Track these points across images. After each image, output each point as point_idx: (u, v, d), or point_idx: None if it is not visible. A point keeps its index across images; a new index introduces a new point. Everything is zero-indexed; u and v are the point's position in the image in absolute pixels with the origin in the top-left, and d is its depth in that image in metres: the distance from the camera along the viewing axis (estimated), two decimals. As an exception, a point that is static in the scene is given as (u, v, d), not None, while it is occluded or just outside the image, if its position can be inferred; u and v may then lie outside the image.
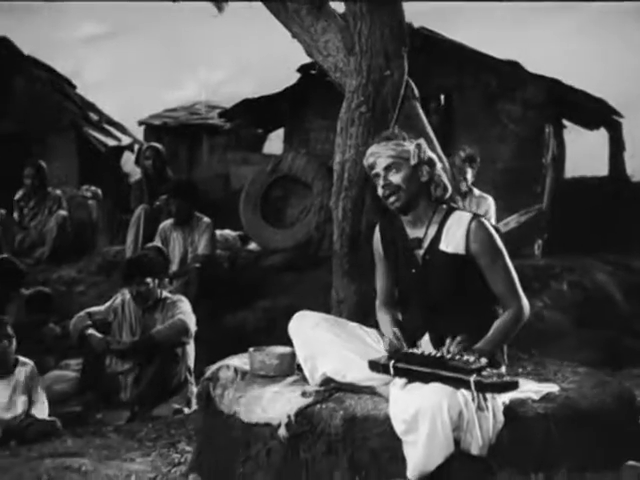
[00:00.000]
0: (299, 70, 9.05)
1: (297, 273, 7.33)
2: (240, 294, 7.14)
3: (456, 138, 8.28)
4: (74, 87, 12.87)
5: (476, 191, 6.38)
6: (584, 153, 10.21)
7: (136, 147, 12.07)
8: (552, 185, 8.24)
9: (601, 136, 9.95)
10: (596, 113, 9.08)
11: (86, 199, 9.23)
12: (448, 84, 8.78)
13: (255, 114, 10.53)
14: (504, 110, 8.40)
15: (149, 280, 5.70)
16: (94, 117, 12.63)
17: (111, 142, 12.70)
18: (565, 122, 9.77)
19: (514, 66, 8.50)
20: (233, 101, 10.93)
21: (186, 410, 5.54)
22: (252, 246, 8.51)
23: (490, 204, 6.33)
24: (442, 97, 9.00)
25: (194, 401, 5.36)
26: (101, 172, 11.53)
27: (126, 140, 12.92)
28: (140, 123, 12.96)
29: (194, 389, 5.37)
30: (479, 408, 3.15)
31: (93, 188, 9.63)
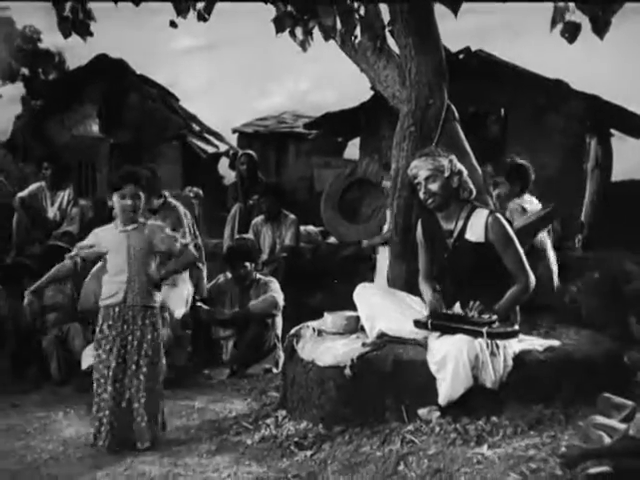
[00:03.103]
0: (372, 88, 9.06)
1: (368, 262, 7.77)
2: (320, 279, 7.85)
3: (509, 147, 8.76)
4: (178, 100, 13.47)
5: (522, 193, 7.14)
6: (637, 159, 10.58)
7: (231, 153, 12.55)
8: (593, 188, 8.76)
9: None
10: (637, 123, 9.48)
11: (189, 198, 9.67)
12: (502, 100, 9.21)
13: (335, 125, 11.05)
14: (551, 122, 8.84)
15: (247, 264, 6.58)
16: (196, 127, 13.17)
17: (210, 149, 13.22)
18: (614, 131, 10.18)
19: (559, 83, 8.96)
20: (316, 110, 11.65)
21: (274, 370, 6.31)
22: (331, 240, 9.05)
23: (534, 204, 7.09)
24: (502, 111, 9.49)
25: (281, 363, 6.01)
26: (201, 175, 12.08)
27: (223, 147, 13.44)
28: (234, 131, 13.32)
29: (281, 353, 6.09)
30: (492, 353, 4.04)
31: (195, 189, 10.20)
